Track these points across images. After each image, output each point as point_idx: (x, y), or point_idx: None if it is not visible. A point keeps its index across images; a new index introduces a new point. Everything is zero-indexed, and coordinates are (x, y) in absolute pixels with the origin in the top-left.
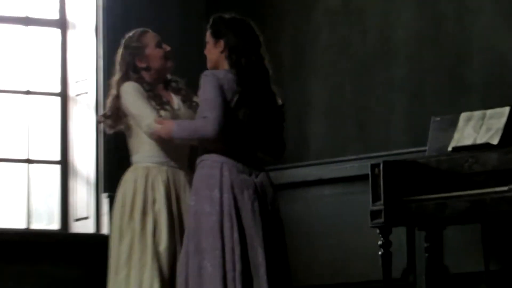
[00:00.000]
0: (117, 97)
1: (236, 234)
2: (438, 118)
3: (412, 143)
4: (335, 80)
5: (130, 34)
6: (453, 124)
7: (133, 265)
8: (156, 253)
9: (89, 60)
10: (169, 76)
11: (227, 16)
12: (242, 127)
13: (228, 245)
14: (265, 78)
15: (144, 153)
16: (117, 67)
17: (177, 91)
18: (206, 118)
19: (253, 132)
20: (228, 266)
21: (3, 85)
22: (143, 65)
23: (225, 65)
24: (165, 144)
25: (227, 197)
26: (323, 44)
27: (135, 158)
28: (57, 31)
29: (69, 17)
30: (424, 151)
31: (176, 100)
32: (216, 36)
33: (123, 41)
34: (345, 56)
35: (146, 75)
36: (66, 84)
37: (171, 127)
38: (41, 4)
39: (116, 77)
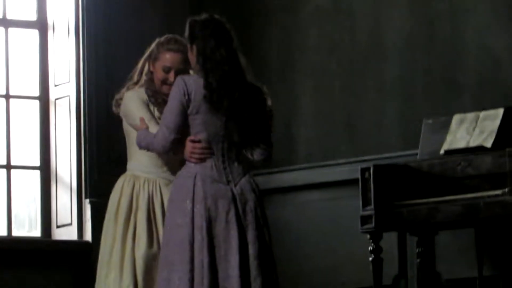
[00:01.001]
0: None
1: (205, 247)
2: (430, 121)
3: (403, 147)
4: (324, 82)
5: (169, 37)
6: (446, 126)
7: (112, 267)
8: (133, 259)
9: (70, 63)
10: None
11: (201, 17)
12: (215, 131)
13: (198, 258)
14: (239, 75)
15: (135, 162)
16: (141, 58)
17: None
18: (156, 135)
19: (230, 135)
20: (197, 279)
21: None
22: (151, 69)
23: (198, 69)
24: (157, 154)
25: (199, 208)
26: (311, 44)
27: (128, 165)
28: (36, 33)
29: (49, 18)
30: (416, 154)
31: None
32: (191, 42)
33: (163, 37)
34: (335, 57)
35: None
36: (46, 87)
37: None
38: (18, 5)
39: (136, 69)
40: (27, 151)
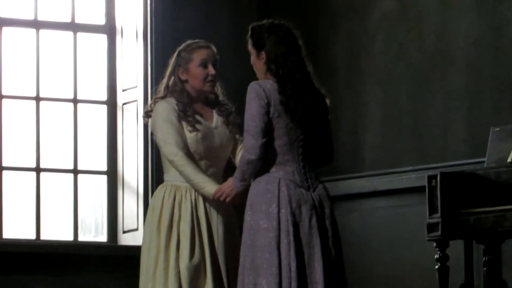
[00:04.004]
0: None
1: (292, 251)
2: (497, 128)
3: (470, 154)
4: (391, 88)
5: (189, 42)
6: None
7: (157, 279)
8: (178, 270)
9: (138, 67)
10: (220, 97)
11: (265, 23)
12: (296, 137)
13: (285, 262)
14: (308, 82)
15: (174, 173)
16: (166, 71)
17: (222, 113)
18: (244, 149)
19: (308, 141)
20: (284, 283)
21: (49, 93)
22: (183, 77)
23: (269, 75)
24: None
25: (284, 212)
26: (378, 50)
27: (165, 176)
28: (104, 37)
29: (117, 22)
30: (483, 162)
31: (215, 118)
32: (258, 48)
33: (182, 45)
34: (402, 63)
35: (188, 87)
36: (114, 92)
37: (232, 185)
38: (87, 10)
39: (163, 82)
40: (94, 156)
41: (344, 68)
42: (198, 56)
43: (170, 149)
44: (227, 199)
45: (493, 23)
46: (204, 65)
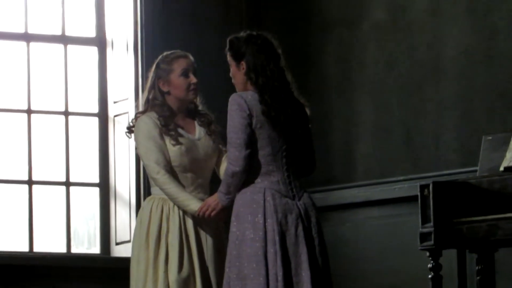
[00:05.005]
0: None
1: (279, 260)
2: (489, 137)
3: (463, 163)
4: (382, 98)
5: (166, 53)
6: (506, 143)
7: None
8: (167, 284)
9: (128, 79)
10: (200, 107)
11: (242, 34)
12: (279, 146)
13: (272, 271)
14: (287, 91)
15: None
16: (146, 85)
17: (203, 124)
18: (228, 162)
19: (291, 150)
20: None
21: (40, 106)
22: (165, 89)
23: (250, 85)
24: (180, 179)
25: (270, 222)
26: (370, 60)
27: (152, 190)
28: (95, 50)
29: (107, 35)
30: (475, 171)
31: (198, 129)
32: (237, 59)
33: (158, 57)
34: (393, 73)
35: (170, 100)
36: (105, 104)
37: (217, 199)
38: (78, 22)
39: (144, 96)
40: (86, 168)
41: (336, 78)
42: (179, 66)
43: (152, 167)
44: (212, 213)
45: (484, 32)
46: (185, 74)
